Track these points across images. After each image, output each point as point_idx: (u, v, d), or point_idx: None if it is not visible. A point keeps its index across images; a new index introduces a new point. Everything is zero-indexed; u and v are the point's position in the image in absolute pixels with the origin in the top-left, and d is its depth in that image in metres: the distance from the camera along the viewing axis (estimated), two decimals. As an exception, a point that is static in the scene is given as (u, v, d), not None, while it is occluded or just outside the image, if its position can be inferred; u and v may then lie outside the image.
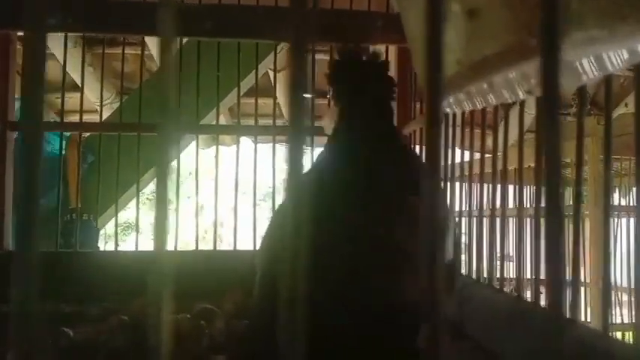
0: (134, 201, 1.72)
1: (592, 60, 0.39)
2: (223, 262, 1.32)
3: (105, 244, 2.61)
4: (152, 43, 1.94)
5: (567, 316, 0.66)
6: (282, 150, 1.37)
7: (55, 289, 1.14)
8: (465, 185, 1.08)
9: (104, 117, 2.06)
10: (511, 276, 1.45)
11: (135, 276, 0.57)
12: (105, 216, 2.09)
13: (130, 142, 1.46)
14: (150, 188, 3.43)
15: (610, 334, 0.62)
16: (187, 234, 1.49)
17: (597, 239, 2.64)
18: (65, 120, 1.55)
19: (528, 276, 1.42)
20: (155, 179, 0.20)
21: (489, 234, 0.94)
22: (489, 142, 1.04)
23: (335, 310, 0.57)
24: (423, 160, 0.21)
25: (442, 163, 1.15)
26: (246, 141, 1.83)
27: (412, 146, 1.30)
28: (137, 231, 1.52)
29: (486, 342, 0.87)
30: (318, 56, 1.49)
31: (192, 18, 1.27)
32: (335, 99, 0.71)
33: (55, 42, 1.91)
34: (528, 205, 2.23)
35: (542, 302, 0.71)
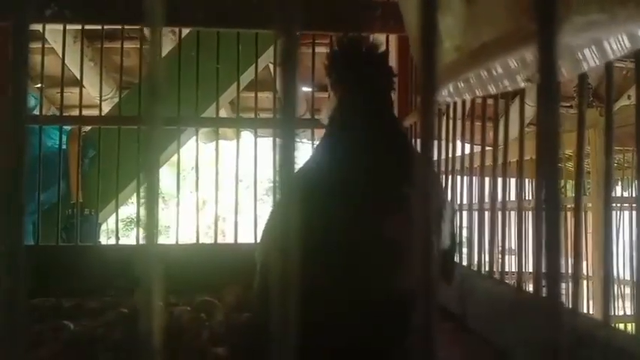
0: (135, 195, 1.71)
1: (593, 47, 0.38)
2: (224, 255, 1.32)
3: (107, 239, 2.61)
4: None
5: (568, 307, 0.66)
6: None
7: (56, 283, 1.15)
8: (466, 178, 1.07)
9: (106, 112, 2.06)
10: (513, 269, 1.45)
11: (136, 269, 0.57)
12: (106, 211, 2.09)
13: (131, 136, 1.46)
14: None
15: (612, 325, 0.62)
16: (190, 229, 1.49)
17: (600, 231, 2.63)
18: (67, 115, 1.54)
19: (530, 269, 1.42)
20: (144, 170, 0.20)
21: (490, 227, 0.93)
22: (490, 134, 1.04)
23: (330, 305, 0.57)
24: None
25: (443, 156, 1.15)
26: (247, 135, 1.82)
27: (412, 138, 1.29)
28: (138, 226, 1.52)
29: (489, 334, 0.87)
30: (318, 49, 1.48)
31: (185, 6, 1.27)
32: (334, 90, 0.70)
33: (55, 36, 1.90)
34: (530, 198, 2.23)
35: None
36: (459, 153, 1.12)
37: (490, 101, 0.96)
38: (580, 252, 0.65)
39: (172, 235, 1.44)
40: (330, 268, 0.56)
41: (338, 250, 0.58)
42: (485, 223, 0.97)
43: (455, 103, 1.10)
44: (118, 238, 1.50)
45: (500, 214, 0.90)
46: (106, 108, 2.25)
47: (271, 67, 2.25)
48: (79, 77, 1.57)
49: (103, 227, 2.22)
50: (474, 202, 1.03)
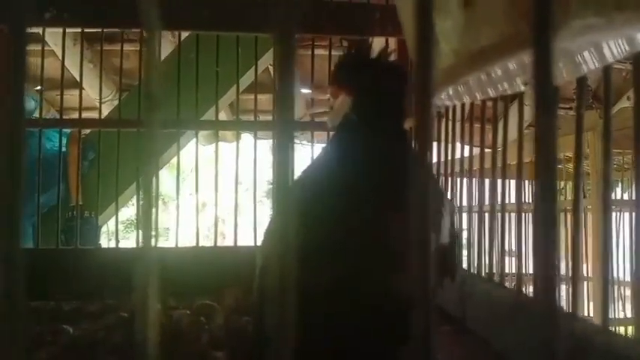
0: (135, 198, 1.71)
1: (592, 50, 0.38)
2: (224, 258, 1.32)
3: (108, 242, 2.61)
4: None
5: (568, 310, 0.66)
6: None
7: (55, 286, 1.15)
8: (466, 180, 1.07)
9: (105, 114, 2.06)
10: (512, 271, 1.45)
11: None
12: (106, 213, 2.09)
13: (130, 138, 1.46)
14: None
15: (611, 328, 0.62)
16: (190, 231, 1.49)
17: (599, 233, 2.62)
18: (67, 117, 1.55)
19: (529, 271, 1.42)
20: (142, 172, 0.20)
21: (490, 229, 0.93)
22: (489, 136, 1.04)
23: (331, 308, 0.57)
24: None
25: (443, 158, 1.15)
26: (247, 137, 1.82)
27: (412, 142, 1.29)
28: (138, 228, 1.52)
29: (488, 337, 0.87)
30: (317, 51, 1.48)
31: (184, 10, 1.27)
32: (342, 95, 0.70)
33: (55, 39, 1.91)
34: (529, 200, 2.23)
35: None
36: (458, 155, 1.12)
37: (489, 103, 0.96)
38: (579, 255, 0.65)
39: (172, 238, 1.44)
40: (334, 270, 0.56)
41: (341, 253, 0.58)
42: (485, 225, 0.97)
43: (454, 106, 1.10)
44: (117, 241, 1.50)
45: (499, 216, 0.90)
46: (106, 110, 2.25)
47: (271, 69, 2.25)
48: (78, 79, 1.57)
49: (104, 229, 2.22)
50: (473, 204, 1.03)
